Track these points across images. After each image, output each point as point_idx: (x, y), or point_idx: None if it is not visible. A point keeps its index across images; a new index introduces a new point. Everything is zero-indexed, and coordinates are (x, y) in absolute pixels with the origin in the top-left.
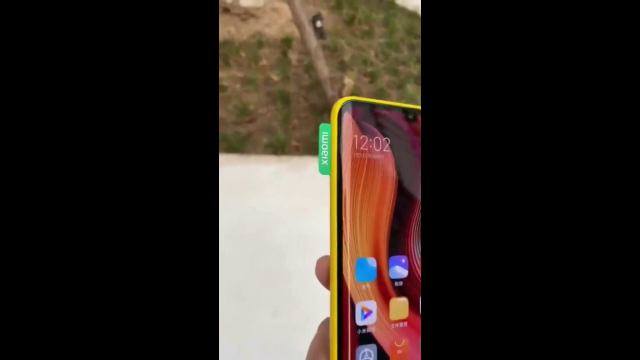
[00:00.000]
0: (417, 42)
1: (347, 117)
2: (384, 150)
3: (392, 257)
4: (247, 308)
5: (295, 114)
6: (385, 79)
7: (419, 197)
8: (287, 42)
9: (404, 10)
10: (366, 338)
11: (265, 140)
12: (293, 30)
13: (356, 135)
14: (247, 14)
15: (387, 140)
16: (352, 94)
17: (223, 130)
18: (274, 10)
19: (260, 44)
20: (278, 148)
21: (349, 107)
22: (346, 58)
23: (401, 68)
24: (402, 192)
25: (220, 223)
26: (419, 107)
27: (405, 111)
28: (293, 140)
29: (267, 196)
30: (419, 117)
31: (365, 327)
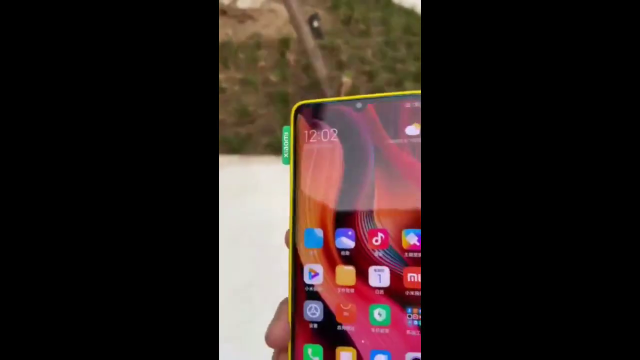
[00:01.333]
0: (415, 40)
1: (300, 117)
2: (332, 139)
3: (339, 229)
4: (249, 309)
5: None
6: (383, 77)
7: (367, 177)
8: (285, 42)
9: (400, 9)
10: (313, 295)
11: (265, 140)
12: (290, 31)
13: (307, 131)
14: (245, 16)
15: (334, 130)
16: (350, 93)
17: (223, 131)
18: (271, 11)
19: (258, 45)
20: (278, 148)
21: (301, 110)
22: (344, 57)
23: (399, 66)
24: (348, 172)
25: (222, 224)
26: (364, 96)
27: (352, 102)
28: None
29: (268, 196)
30: (369, 105)
31: (312, 285)
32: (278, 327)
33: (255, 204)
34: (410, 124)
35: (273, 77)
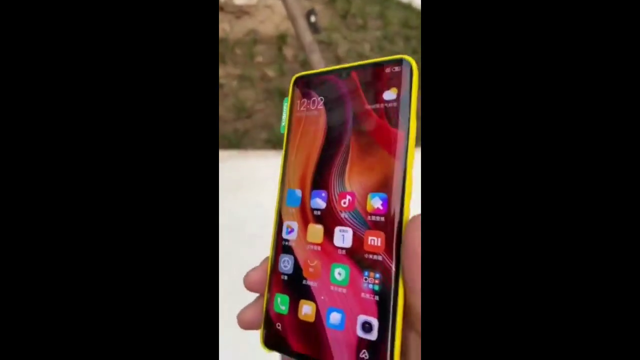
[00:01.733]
0: (412, 34)
1: (295, 88)
2: (318, 107)
3: (314, 191)
4: (247, 303)
5: None
6: None
7: (344, 140)
8: (282, 38)
9: (398, 3)
10: (287, 249)
11: (263, 136)
12: (288, 27)
13: (299, 100)
14: (241, 12)
15: (321, 99)
16: None
17: (221, 127)
18: (268, 7)
19: (255, 41)
20: (276, 143)
21: (297, 81)
22: (341, 52)
23: None
24: (329, 138)
25: (221, 218)
26: (350, 64)
27: (338, 71)
28: None
29: (267, 190)
30: (352, 72)
31: (287, 240)
32: (255, 273)
33: (253, 198)
34: (388, 88)
35: (270, 73)
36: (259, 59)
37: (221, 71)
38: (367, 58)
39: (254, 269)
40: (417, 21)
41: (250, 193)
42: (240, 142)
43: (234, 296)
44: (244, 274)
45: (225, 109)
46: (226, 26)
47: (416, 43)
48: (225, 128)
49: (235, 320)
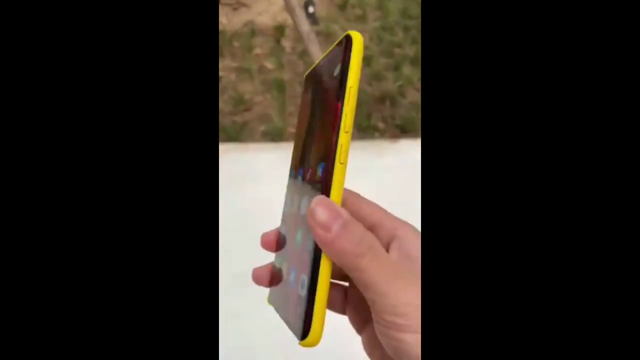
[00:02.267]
0: (412, 24)
1: (305, 84)
2: (308, 96)
3: (299, 169)
4: (248, 296)
5: (291, 100)
6: (381, 62)
7: (316, 121)
8: (280, 29)
9: None
10: (285, 219)
11: (262, 128)
12: (286, 18)
13: (303, 94)
14: (239, 4)
15: (310, 87)
16: None
17: (220, 120)
18: None
19: (253, 33)
20: (275, 136)
21: (306, 77)
22: None
23: (396, 50)
24: (309, 122)
25: (221, 212)
26: (327, 51)
27: (322, 58)
28: (290, 127)
29: (267, 184)
30: (327, 57)
31: (285, 213)
32: (271, 233)
33: (253, 191)
34: (336, 65)
35: (269, 65)
36: (257, 51)
37: (219, 64)
38: (368, 48)
39: (270, 232)
40: (416, 10)
41: (249, 186)
42: (238, 135)
43: (235, 289)
44: (244, 267)
45: (223, 102)
46: (223, 19)
47: (416, 33)
48: (223, 121)
49: (237, 315)
